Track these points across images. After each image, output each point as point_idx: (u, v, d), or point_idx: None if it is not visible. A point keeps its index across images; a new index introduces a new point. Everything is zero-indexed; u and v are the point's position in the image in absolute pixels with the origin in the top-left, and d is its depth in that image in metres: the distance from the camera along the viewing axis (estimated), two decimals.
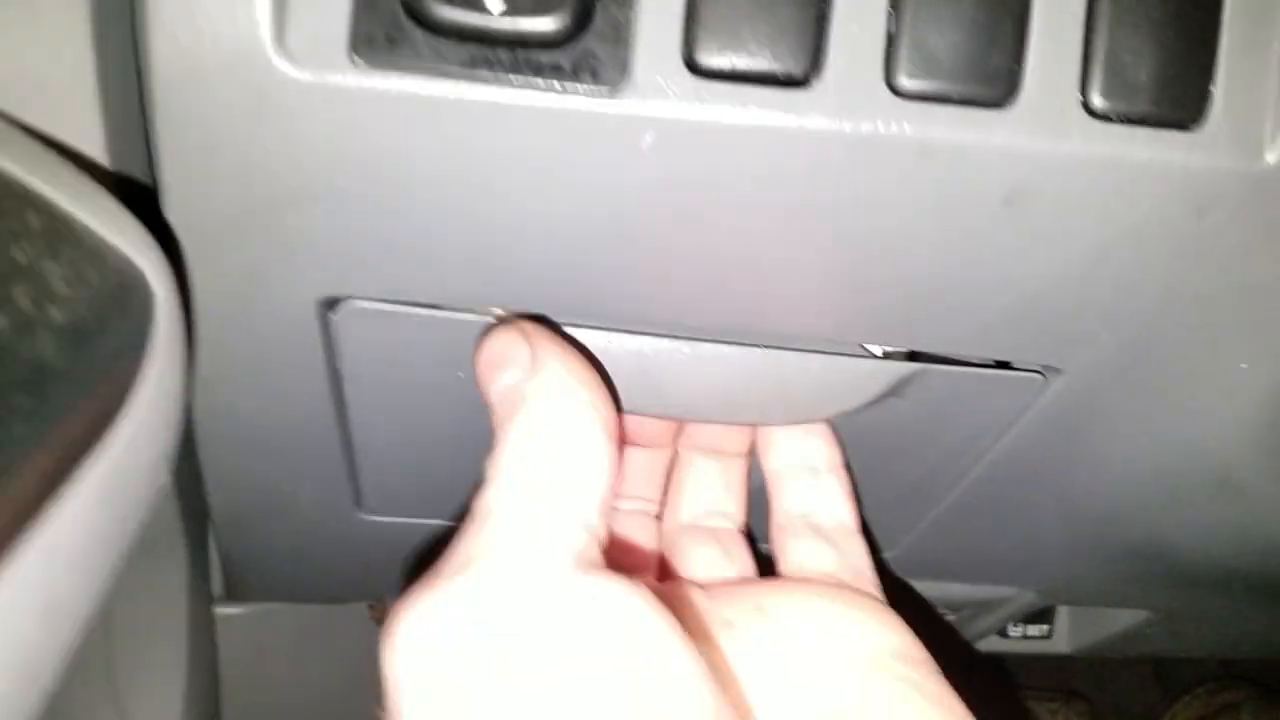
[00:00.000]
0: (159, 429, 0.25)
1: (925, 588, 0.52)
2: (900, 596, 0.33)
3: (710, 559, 0.35)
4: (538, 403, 0.27)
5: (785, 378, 0.33)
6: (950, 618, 0.56)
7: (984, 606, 0.55)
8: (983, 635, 0.61)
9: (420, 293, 0.31)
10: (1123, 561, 0.46)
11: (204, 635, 0.57)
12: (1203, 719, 0.76)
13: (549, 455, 0.27)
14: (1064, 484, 0.40)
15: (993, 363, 0.34)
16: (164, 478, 0.28)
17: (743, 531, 0.37)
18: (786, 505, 0.36)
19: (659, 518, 0.38)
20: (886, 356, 0.34)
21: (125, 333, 0.23)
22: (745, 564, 0.36)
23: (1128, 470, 0.39)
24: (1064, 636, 0.64)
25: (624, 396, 0.33)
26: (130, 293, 0.23)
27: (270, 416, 0.37)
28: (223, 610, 0.63)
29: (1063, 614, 0.64)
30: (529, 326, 0.30)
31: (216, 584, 0.60)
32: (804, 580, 0.34)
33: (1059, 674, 1.03)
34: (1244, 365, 0.32)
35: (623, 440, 0.35)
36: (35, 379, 0.20)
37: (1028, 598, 0.53)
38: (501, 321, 0.31)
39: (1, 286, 0.20)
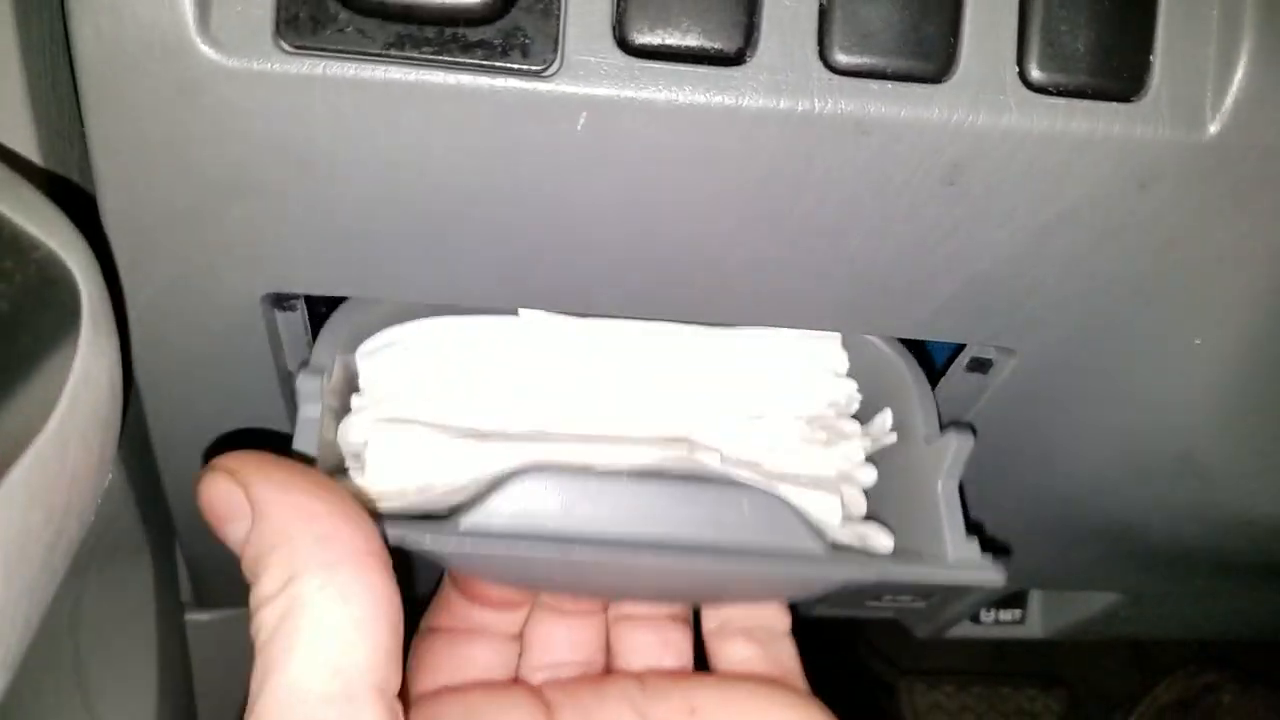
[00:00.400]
0: (92, 426, 0.25)
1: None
2: None
3: (648, 647, 0.35)
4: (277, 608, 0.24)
5: (731, 577, 0.31)
6: (919, 605, 0.56)
7: (953, 592, 0.55)
8: (954, 622, 0.61)
9: (362, 288, 0.30)
10: (1090, 544, 0.46)
11: (174, 641, 0.57)
12: (1183, 701, 0.77)
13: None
14: (1026, 467, 0.40)
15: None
16: (105, 477, 0.28)
17: (683, 619, 0.37)
18: (720, 612, 0.36)
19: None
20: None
21: (49, 328, 0.23)
22: (683, 652, 0.36)
23: (1089, 452, 0.39)
24: (1037, 621, 0.64)
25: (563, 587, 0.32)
26: (54, 287, 0.23)
27: (224, 418, 0.36)
28: (193, 617, 0.63)
29: (1035, 598, 0.64)
30: (248, 468, 0.25)
31: (186, 591, 0.59)
32: (736, 677, 0.34)
33: (1037, 660, 1.03)
34: (1197, 341, 0.32)
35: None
36: None
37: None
38: (214, 468, 0.26)
39: None
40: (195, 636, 0.62)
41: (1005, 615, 0.63)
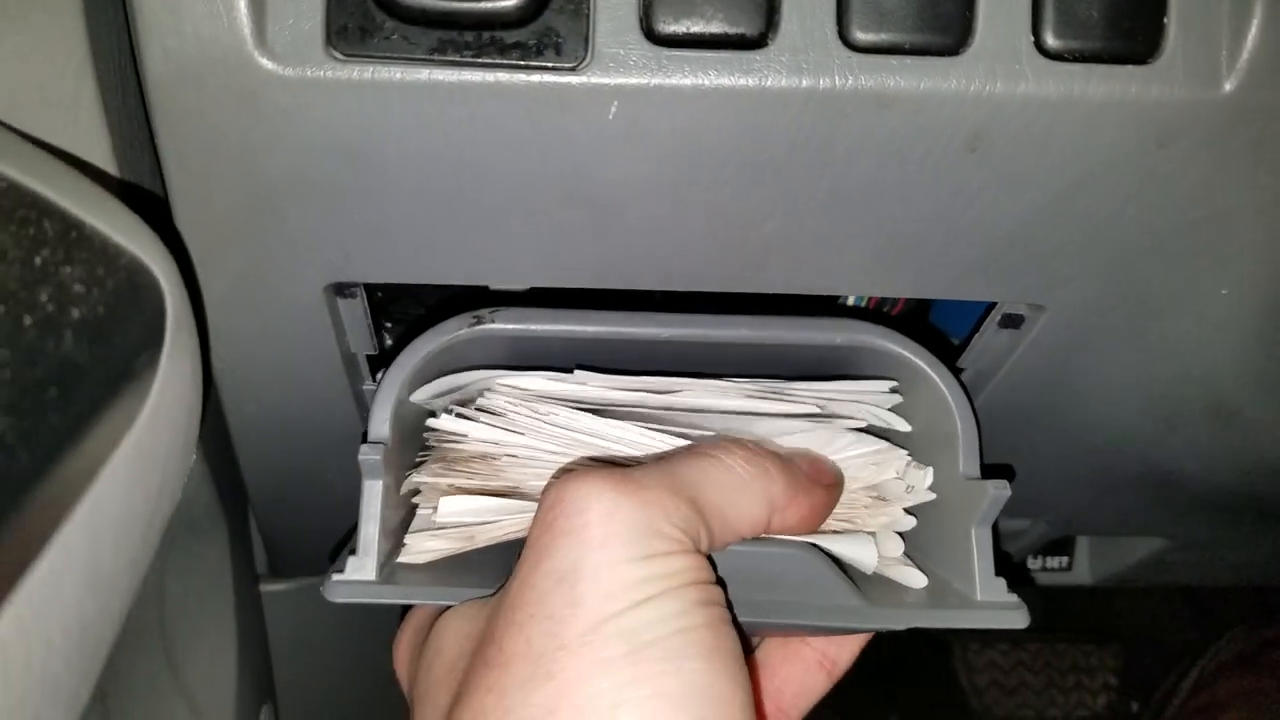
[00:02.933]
0: (179, 414, 0.27)
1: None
2: None
3: None
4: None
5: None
6: None
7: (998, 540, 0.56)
8: None
9: (419, 274, 0.32)
10: (1128, 490, 0.47)
11: (251, 610, 0.60)
12: (1242, 655, 0.76)
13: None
14: (1061, 417, 0.41)
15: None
16: (190, 460, 0.30)
17: None
18: None
19: None
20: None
21: (140, 327, 0.25)
22: None
23: (1122, 400, 0.40)
24: (1085, 567, 0.64)
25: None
26: (142, 291, 0.25)
27: (292, 400, 0.39)
28: (267, 587, 0.66)
29: (1082, 545, 0.65)
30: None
31: (261, 563, 0.63)
32: None
33: (1092, 616, 1.03)
34: (1224, 291, 0.33)
35: None
36: (64, 374, 0.22)
37: (1040, 529, 0.53)
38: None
39: (27, 291, 0.22)
40: (270, 605, 0.65)
41: (1052, 562, 0.64)
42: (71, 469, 0.22)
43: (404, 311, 0.45)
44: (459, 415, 0.33)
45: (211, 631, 0.55)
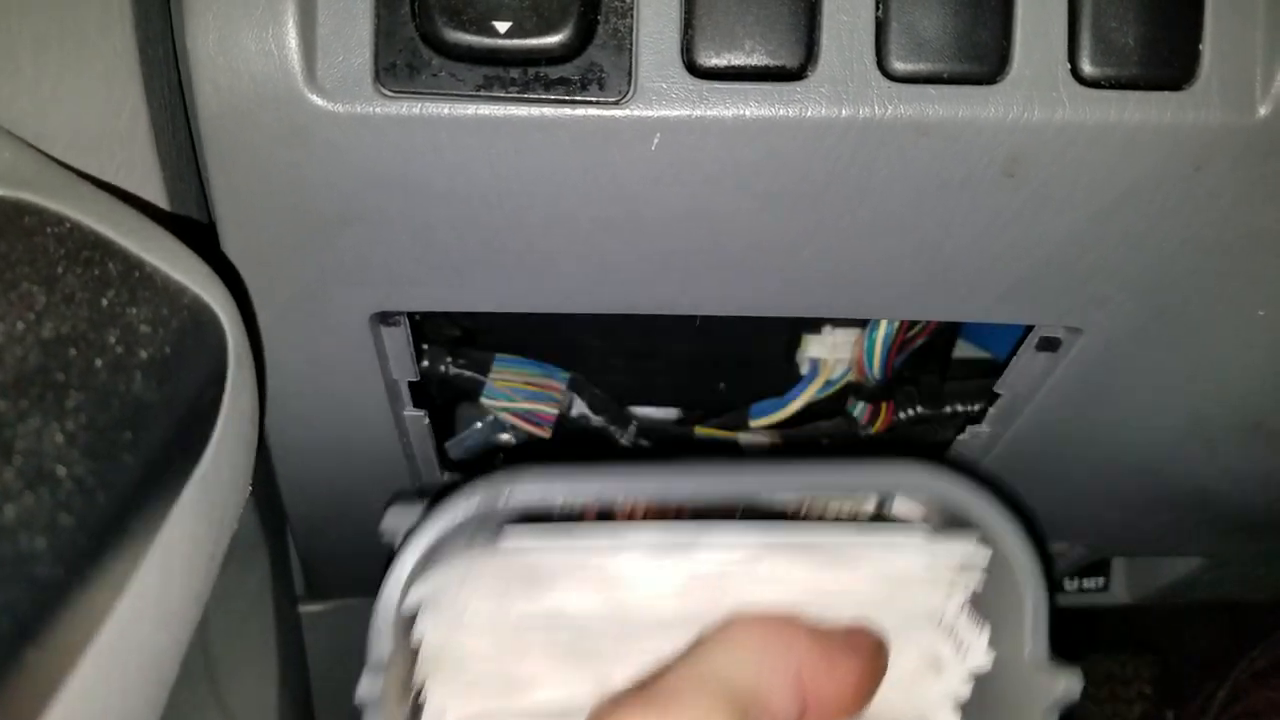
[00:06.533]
0: (239, 447, 0.28)
1: None
2: None
3: None
4: None
5: None
6: None
7: None
8: None
9: (463, 302, 0.33)
10: (1166, 511, 0.47)
11: (291, 631, 0.61)
12: (1277, 663, 0.76)
13: None
14: (1099, 439, 0.41)
15: None
16: (247, 490, 0.31)
17: None
18: None
19: None
20: None
21: (204, 365, 0.26)
22: None
23: (1161, 422, 0.40)
24: (1121, 587, 0.64)
25: None
26: (205, 329, 0.26)
27: (334, 425, 0.39)
28: (306, 608, 0.67)
29: (1118, 565, 0.64)
30: None
31: (299, 584, 0.63)
32: None
33: (1127, 627, 1.02)
34: (1261, 313, 0.33)
35: None
36: (135, 416, 0.23)
37: (1079, 551, 0.53)
38: None
39: (97, 334, 0.22)
40: (309, 626, 0.66)
41: (1089, 583, 0.64)
42: (145, 509, 0.23)
43: (438, 332, 0.46)
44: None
45: (253, 654, 0.55)
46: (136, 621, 0.22)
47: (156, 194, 0.29)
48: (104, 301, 0.23)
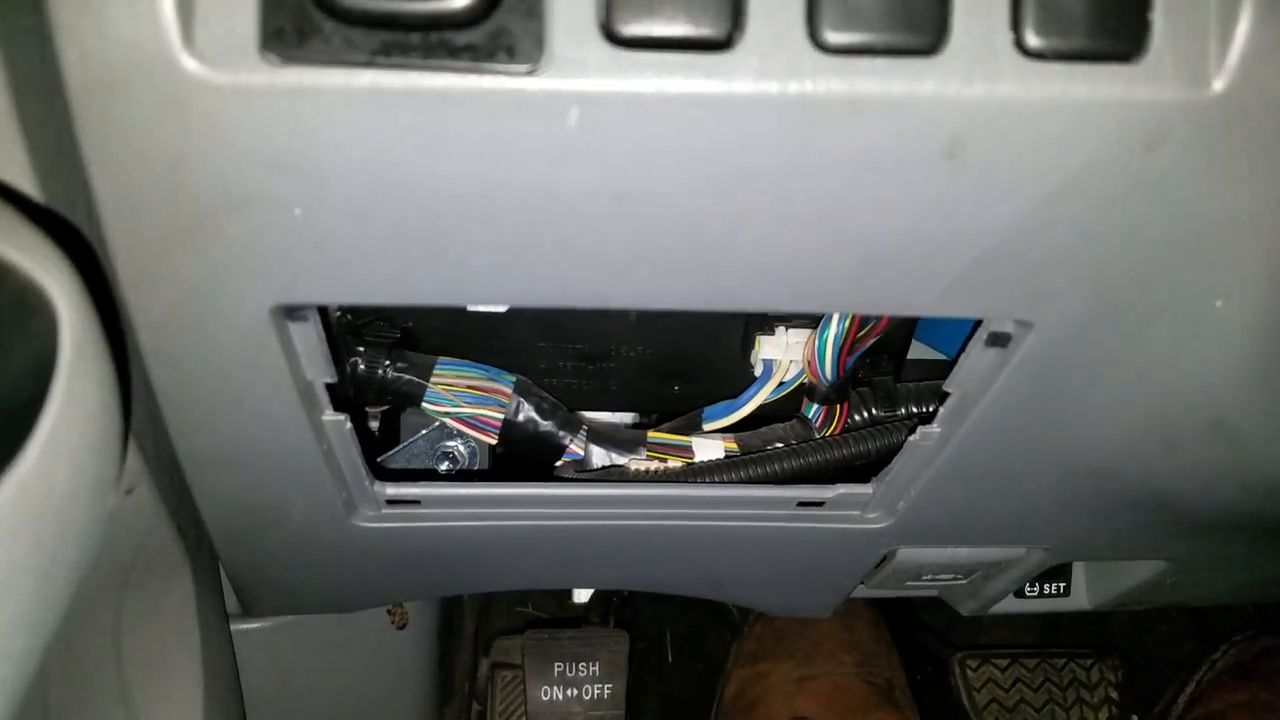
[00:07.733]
0: (83, 452, 0.25)
1: (933, 554, 0.51)
2: None
3: None
4: None
5: None
6: (961, 582, 0.55)
7: (994, 568, 0.54)
8: (998, 598, 0.60)
9: (371, 295, 0.31)
10: (1126, 513, 0.45)
11: (219, 651, 0.58)
12: (1240, 665, 0.75)
13: None
14: (1053, 439, 0.39)
15: None
16: (107, 503, 0.28)
17: None
18: None
19: None
20: None
21: (18, 354, 0.23)
22: None
23: (1118, 421, 0.38)
24: (1083, 592, 0.63)
25: None
26: (30, 315, 0.23)
27: (244, 431, 0.37)
28: (240, 626, 0.64)
29: (1079, 570, 0.63)
30: None
31: (233, 602, 0.60)
32: None
33: (1091, 631, 1.02)
34: (1218, 303, 0.32)
35: None
36: None
37: (1038, 556, 0.52)
38: None
39: None
40: (243, 645, 0.63)
41: (1050, 588, 0.62)
42: None
43: (377, 335, 0.44)
44: None
45: (176, 673, 0.52)
46: None
47: (20, 173, 0.27)
48: None
